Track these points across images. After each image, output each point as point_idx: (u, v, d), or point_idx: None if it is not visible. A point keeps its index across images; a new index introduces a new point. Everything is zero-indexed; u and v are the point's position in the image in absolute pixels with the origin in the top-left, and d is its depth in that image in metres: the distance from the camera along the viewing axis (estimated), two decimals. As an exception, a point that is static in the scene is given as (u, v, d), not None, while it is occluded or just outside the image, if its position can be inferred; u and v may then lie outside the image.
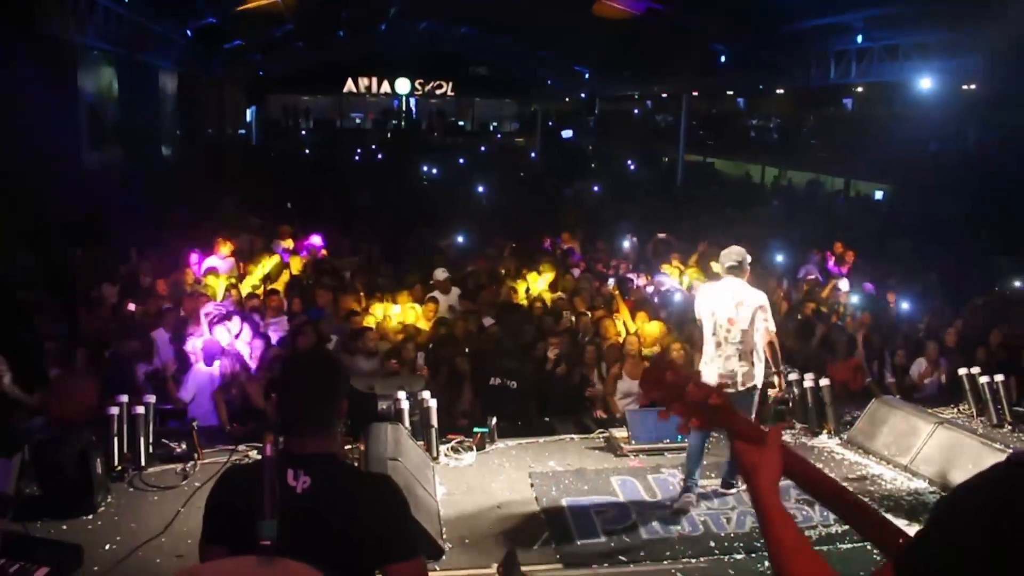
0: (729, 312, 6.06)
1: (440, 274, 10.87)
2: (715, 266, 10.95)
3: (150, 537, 5.21)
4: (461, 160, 31.69)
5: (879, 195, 24.05)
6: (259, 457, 6.08)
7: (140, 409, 6.26)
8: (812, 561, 1.64)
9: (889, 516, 5.92)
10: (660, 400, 1.82)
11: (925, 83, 16.42)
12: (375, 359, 8.40)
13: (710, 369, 6.11)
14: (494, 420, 7.11)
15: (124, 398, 6.26)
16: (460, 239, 14.89)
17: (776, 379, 6.38)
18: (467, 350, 8.74)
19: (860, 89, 23.91)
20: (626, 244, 14.93)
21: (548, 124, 44.17)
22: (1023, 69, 13.70)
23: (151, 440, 6.39)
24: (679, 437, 7.07)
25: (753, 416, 6.19)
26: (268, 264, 12.13)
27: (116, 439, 6.12)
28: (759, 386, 6.23)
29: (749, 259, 6.22)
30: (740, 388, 6.06)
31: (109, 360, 7.94)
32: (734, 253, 6.19)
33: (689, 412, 1.80)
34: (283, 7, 17.26)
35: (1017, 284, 12.46)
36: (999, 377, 7.81)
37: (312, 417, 2.44)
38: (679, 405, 1.80)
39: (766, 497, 1.73)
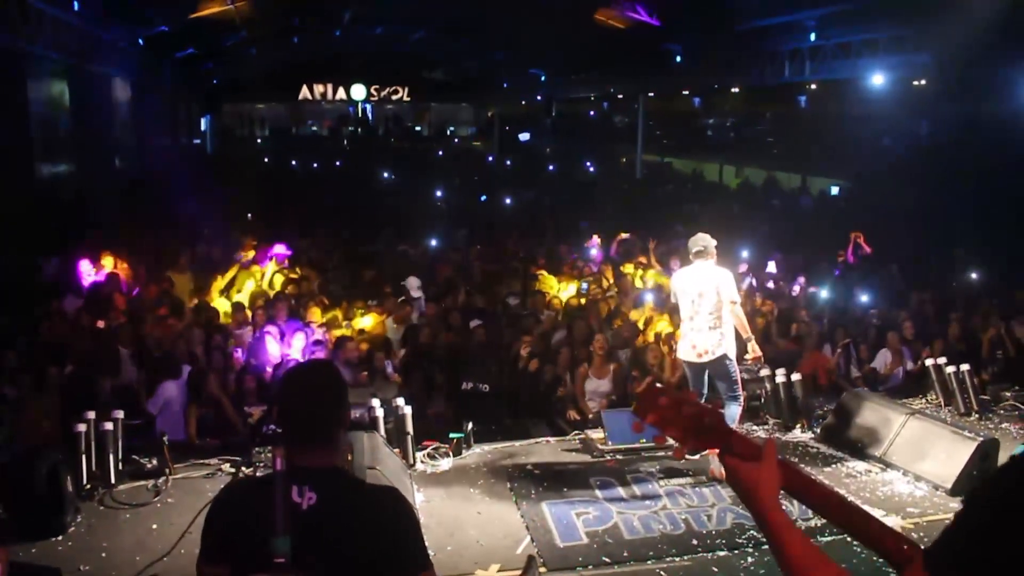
0: (699, 288, 6.64)
1: (413, 282, 10.77)
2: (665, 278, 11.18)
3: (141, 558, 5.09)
4: (418, 165, 31.53)
5: (835, 191, 24.38)
6: (244, 472, 6.06)
7: (108, 425, 6.09)
8: (835, 571, 1.61)
9: (866, 507, 5.99)
10: (655, 424, 1.78)
11: (877, 79, 16.69)
12: (357, 369, 8.31)
13: (686, 342, 6.71)
14: (470, 425, 7.06)
15: (91, 414, 6.08)
16: (431, 243, 14.82)
17: (749, 346, 6.83)
18: (438, 355, 8.69)
19: (814, 87, 24.24)
20: (594, 251, 14.78)
21: (505, 128, 44.19)
22: (971, 63, 13.97)
23: (120, 457, 6.22)
24: (653, 436, 7.08)
25: (738, 381, 6.73)
26: (229, 275, 11.92)
27: (84, 457, 5.95)
28: (732, 356, 6.68)
29: (714, 243, 6.79)
30: (714, 356, 6.59)
31: (71, 375, 7.73)
32: (699, 240, 6.80)
33: (685, 434, 1.76)
34: (235, 13, 17.00)
35: (973, 276, 12.67)
36: (964, 366, 7.95)
37: (317, 431, 2.36)
38: (674, 428, 1.76)
39: (771, 513, 1.69)
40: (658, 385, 1.50)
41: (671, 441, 1.78)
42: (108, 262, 11.50)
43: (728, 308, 6.62)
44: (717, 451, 1.78)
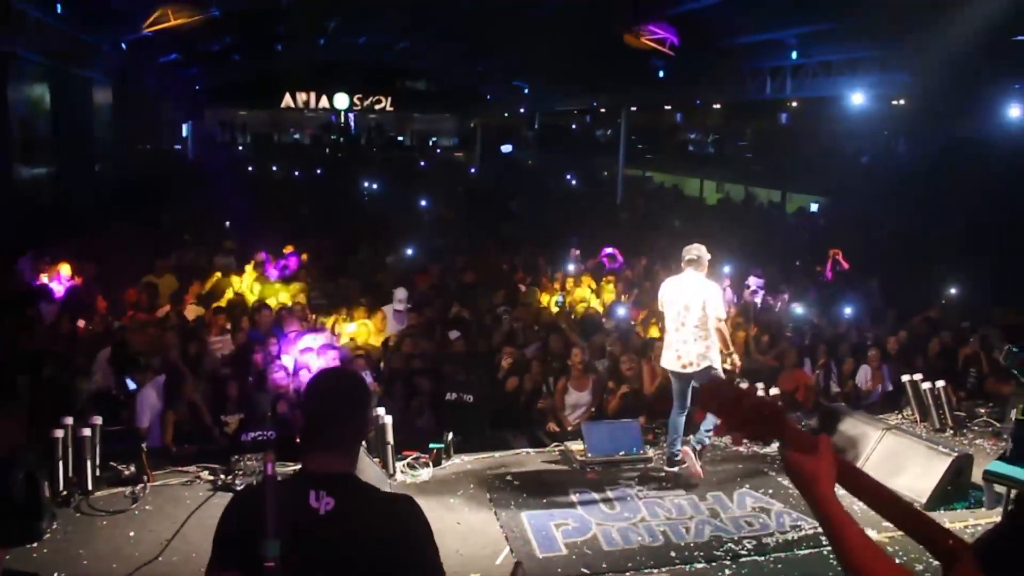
0: (686, 299, 6.70)
1: (399, 294, 10.75)
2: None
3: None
4: (401, 175, 31.51)
5: (814, 207, 24.62)
6: (223, 480, 6.01)
7: (86, 431, 6.05)
8: (888, 562, 1.71)
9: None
10: (717, 414, 1.94)
11: (857, 98, 16.87)
12: None
13: (671, 352, 6.74)
14: (450, 435, 7.06)
15: (69, 420, 6.04)
16: (408, 253, 14.81)
17: (730, 359, 6.87)
18: (420, 365, 8.68)
19: (794, 104, 24.48)
20: (571, 267, 14.73)
21: (484, 139, 44.21)
22: (949, 83, 14.16)
23: (98, 463, 6.18)
24: (633, 449, 7.15)
25: None
26: (209, 283, 11.89)
27: (61, 463, 5.90)
28: (716, 367, 6.72)
29: (708, 255, 6.85)
30: (699, 367, 6.63)
31: (48, 380, 7.66)
32: (693, 248, 6.85)
33: (744, 424, 1.89)
34: (188, 26, 16.58)
35: (952, 291, 12.80)
36: (940, 383, 8.06)
37: (337, 436, 2.38)
38: (734, 418, 1.88)
39: (831, 504, 1.78)
40: (723, 377, 1.63)
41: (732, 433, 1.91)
42: (65, 269, 11.41)
43: (712, 323, 6.66)
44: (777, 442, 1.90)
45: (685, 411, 6.94)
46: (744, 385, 6.68)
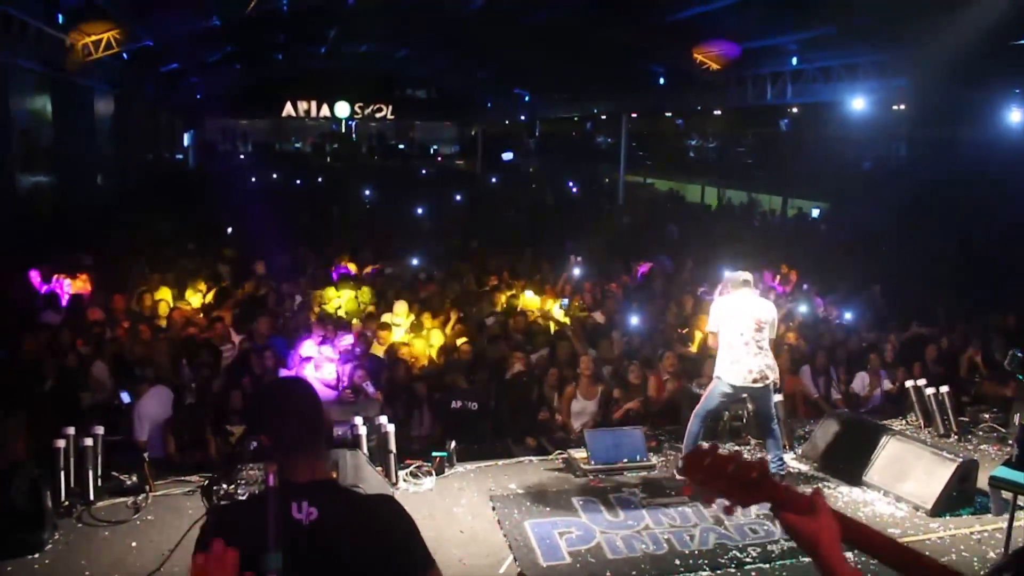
0: (757, 317, 6.72)
1: (400, 307, 10.73)
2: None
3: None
4: (402, 183, 31.49)
5: (815, 213, 24.61)
6: (225, 489, 5.99)
7: (88, 441, 6.03)
8: None
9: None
10: (703, 483, 1.81)
11: (857, 103, 16.88)
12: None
13: (739, 367, 6.66)
14: (453, 444, 7.04)
15: (71, 430, 6.02)
16: (413, 262, 14.81)
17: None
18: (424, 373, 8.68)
19: (795, 109, 24.47)
20: (576, 272, 14.61)
21: (485, 147, 44.27)
22: (949, 88, 14.16)
23: (100, 473, 6.16)
24: (637, 456, 7.13)
25: (773, 408, 6.86)
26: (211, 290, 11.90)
27: (63, 473, 5.88)
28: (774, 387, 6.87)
29: (751, 276, 7.05)
30: (768, 382, 6.70)
31: (51, 391, 7.65)
32: (744, 272, 7.02)
33: (733, 492, 1.79)
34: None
35: (952, 296, 12.75)
36: (944, 388, 8.02)
37: (308, 443, 2.35)
38: (721, 485, 1.79)
39: (838, 567, 1.72)
40: (703, 445, 1.52)
41: (720, 500, 1.80)
42: (67, 280, 11.41)
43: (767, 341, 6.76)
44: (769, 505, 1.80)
45: (707, 420, 7.00)
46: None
